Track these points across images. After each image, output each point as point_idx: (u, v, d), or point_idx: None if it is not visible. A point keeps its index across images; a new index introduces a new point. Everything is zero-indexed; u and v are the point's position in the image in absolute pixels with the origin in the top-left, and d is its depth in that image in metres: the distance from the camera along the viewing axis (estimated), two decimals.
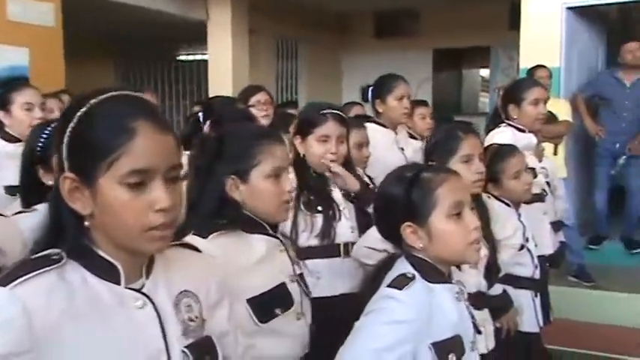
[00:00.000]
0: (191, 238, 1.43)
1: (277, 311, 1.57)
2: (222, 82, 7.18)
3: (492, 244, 2.18)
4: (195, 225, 1.54)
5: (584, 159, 5.89)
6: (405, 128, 3.50)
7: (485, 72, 9.98)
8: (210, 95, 7.40)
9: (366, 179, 2.59)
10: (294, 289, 1.64)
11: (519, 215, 2.52)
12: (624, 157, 5.38)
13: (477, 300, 2.07)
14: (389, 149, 3.15)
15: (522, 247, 2.48)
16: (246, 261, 1.56)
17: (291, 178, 1.65)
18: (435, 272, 1.47)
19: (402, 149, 3.24)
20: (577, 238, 5.11)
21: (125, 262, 1.02)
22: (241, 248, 1.57)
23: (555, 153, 5.04)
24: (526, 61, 5.51)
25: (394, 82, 3.22)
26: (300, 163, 2.27)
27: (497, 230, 2.27)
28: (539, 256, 2.86)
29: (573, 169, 5.85)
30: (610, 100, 5.48)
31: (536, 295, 2.51)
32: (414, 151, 3.35)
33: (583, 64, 5.89)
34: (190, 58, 9.77)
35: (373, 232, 1.84)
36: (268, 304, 1.55)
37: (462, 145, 2.10)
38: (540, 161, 3.34)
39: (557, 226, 3.52)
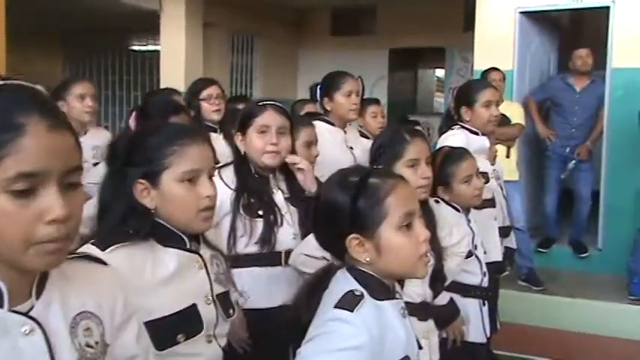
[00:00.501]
0: (87, 249, 1.28)
1: (179, 337, 1.40)
2: (174, 75, 6.98)
3: (438, 252, 2.10)
4: (100, 235, 1.39)
5: (535, 162, 5.92)
6: (355, 127, 3.41)
7: (440, 72, 10.04)
8: (162, 88, 7.24)
9: None
10: (207, 311, 1.47)
11: (469, 221, 2.45)
12: (573, 161, 5.42)
13: (422, 310, 1.99)
14: (337, 148, 3.05)
15: (471, 254, 2.41)
16: (150, 278, 1.39)
17: (214, 182, 1.48)
18: (382, 288, 1.34)
19: (351, 148, 3.15)
20: (527, 241, 5.12)
21: (10, 280, 0.87)
22: (146, 263, 1.40)
23: (508, 156, 5.05)
24: (480, 64, 5.50)
25: (341, 78, 3.12)
26: (241, 163, 2.15)
27: (443, 237, 2.20)
28: (488, 264, 2.81)
29: (524, 172, 5.87)
30: (560, 104, 5.51)
31: (483, 304, 2.44)
32: (363, 150, 3.25)
33: (535, 68, 5.92)
34: (144, 48, 9.50)
35: (312, 239, 1.73)
36: (170, 329, 1.38)
37: (409, 149, 2.02)
38: (493, 164, 3.30)
39: (505, 231, 3.49)
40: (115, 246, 1.36)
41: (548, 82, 5.72)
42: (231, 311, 1.54)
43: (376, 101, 4.45)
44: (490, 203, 2.86)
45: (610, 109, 5.33)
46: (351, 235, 1.32)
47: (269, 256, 2.08)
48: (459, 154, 2.40)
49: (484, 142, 2.85)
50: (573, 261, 5.58)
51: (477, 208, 2.78)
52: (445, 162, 2.38)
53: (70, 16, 7.77)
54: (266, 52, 8.92)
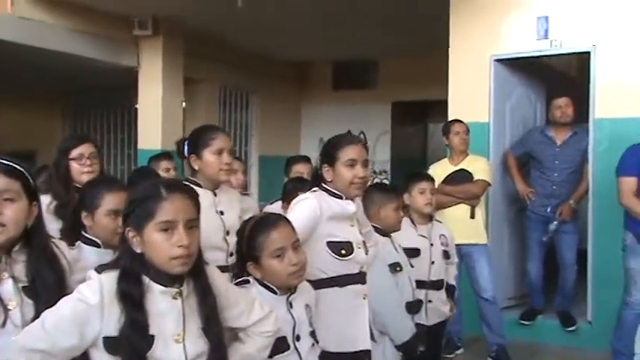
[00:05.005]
0: None
1: None
2: (151, 132, 6.83)
3: (216, 339, 1.66)
4: None
5: (518, 224, 5.34)
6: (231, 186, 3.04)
7: None
8: (140, 145, 7.08)
9: None
10: None
11: (290, 305, 1.99)
12: (555, 222, 4.84)
13: None
14: (205, 213, 2.65)
15: (288, 347, 1.95)
16: None
17: None
18: None
19: (222, 213, 2.75)
20: (497, 314, 4.54)
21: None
22: None
23: (472, 216, 4.54)
24: (455, 116, 5.04)
25: (211, 134, 2.75)
26: None
27: (237, 315, 1.76)
28: (355, 352, 2.36)
29: (507, 235, 5.35)
30: (540, 159, 4.98)
31: None
32: (244, 211, 2.89)
33: (517, 120, 5.41)
34: None
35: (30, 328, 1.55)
36: None
37: (163, 208, 1.59)
38: (386, 235, 2.84)
39: (415, 306, 3.01)
40: None
41: (527, 135, 5.19)
42: None
43: (305, 159, 4.06)
44: (358, 278, 2.39)
45: (594, 164, 4.77)
46: None
47: None
48: (271, 221, 1.96)
49: (346, 206, 2.39)
50: (560, 335, 4.94)
51: (339, 285, 2.35)
52: (253, 232, 1.95)
53: (62, 76, 7.77)
54: (263, 108, 8.71)
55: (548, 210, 4.89)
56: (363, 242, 2.43)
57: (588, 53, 4.81)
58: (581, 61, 5.60)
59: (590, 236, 4.83)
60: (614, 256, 4.42)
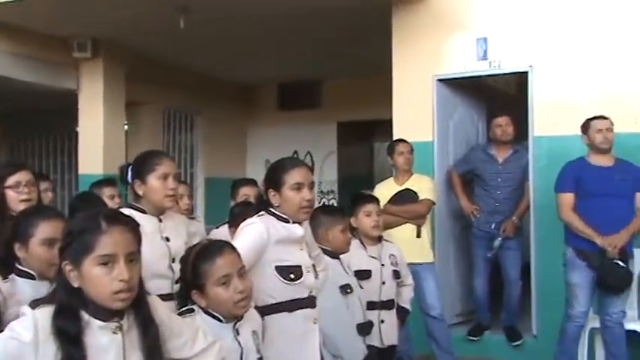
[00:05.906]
0: None
1: None
2: (92, 157, 6.65)
3: None
4: None
5: (464, 241, 5.42)
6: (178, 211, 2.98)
7: None
8: (80, 170, 6.89)
9: None
10: None
11: (237, 332, 1.94)
12: (499, 239, 4.93)
13: None
14: (147, 240, 2.57)
15: None
16: None
17: None
18: None
19: (168, 239, 2.69)
20: (445, 331, 4.58)
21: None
22: None
23: (419, 235, 4.57)
24: (399, 135, 5.10)
25: (156, 159, 2.70)
26: None
27: (180, 346, 1.71)
28: None
29: (452, 252, 5.41)
30: (483, 177, 5.07)
31: None
32: (191, 235, 2.83)
33: (460, 139, 5.51)
34: None
35: None
36: None
37: (102, 241, 1.52)
38: (335, 256, 2.83)
39: (366, 328, 3.00)
40: None
41: (469, 153, 5.29)
42: None
43: (251, 182, 4.03)
44: (307, 303, 2.36)
45: (534, 181, 4.89)
46: None
47: None
48: (215, 248, 1.92)
49: (294, 230, 2.37)
50: (507, 350, 5.01)
51: (288, 310, 2.31)
52: (198, 259, 1.91)
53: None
54: (208, 129, 8.63)
55: (492, 227, 4.98)
56: (313, 266, 2.40)
57: (526, 73, 4.95)
58: (520, 80, 5.76)
59: (532, 251, 4.93)
60: (557, 271, 4.52)
